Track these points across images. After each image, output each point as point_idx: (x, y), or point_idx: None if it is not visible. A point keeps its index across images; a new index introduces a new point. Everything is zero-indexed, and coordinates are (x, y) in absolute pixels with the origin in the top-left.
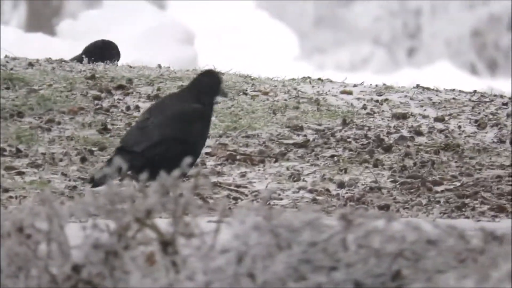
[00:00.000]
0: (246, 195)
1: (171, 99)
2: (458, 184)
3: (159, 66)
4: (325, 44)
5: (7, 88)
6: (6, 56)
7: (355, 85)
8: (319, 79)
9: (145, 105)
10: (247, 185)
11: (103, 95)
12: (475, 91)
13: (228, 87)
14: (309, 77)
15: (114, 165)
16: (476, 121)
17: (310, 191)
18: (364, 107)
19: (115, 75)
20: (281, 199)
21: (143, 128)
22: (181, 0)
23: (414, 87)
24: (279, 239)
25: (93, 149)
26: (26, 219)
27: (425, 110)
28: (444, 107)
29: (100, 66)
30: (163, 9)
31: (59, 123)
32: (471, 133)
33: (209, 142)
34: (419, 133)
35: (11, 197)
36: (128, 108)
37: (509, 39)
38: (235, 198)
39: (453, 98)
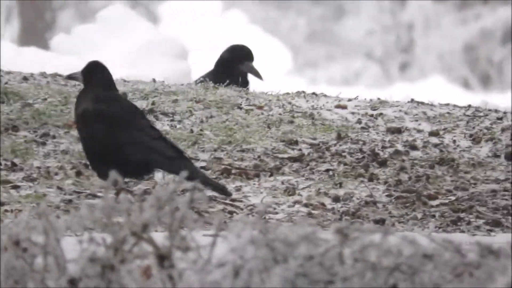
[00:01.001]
0: (242, 209)
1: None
2: (453, 198)
3: (154, 80)
4: (317, 59)
5: (2, 102)
6: (0, 70)
7: (349, 100)
8: (314, 93)
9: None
10: (242, 199)
11: None
12: (469, 106)
13: (223, 102)
14: (303, 92)
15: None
16: (471, 135)
17: (306, 205)
18: (359, 122)
19: None
20: (277, 213)
21: None
22: (174, 15)
23: (408, 102)
24: (275, 253)
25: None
26: (22, 233)
27: (419, 124)
28: (439, 121)
29: None
30: (157, 23)
31: (54, 137)
32: (466, 147)
33: (204, 156)
34: (414, 148)
35: (6, 210)
36: None
37: (501, 53)
38: (231, 212)
39: (448, 113)
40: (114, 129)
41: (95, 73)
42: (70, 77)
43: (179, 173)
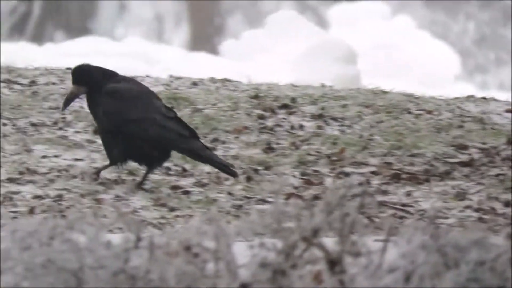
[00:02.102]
0: (412, 214)
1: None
2: None
3: (323, 85)
4: (487, 63)
5: (172, 108)
6: (170, 76)
7: None
8: (483, 97)
9: (309, 124)
10: (412, 204)
11: (267, 114)
12: None
13: (392, 106)
14: (472, 96)
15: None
16: None
17: (476, 210)
18: None
19: (279, 94)
20: (447, 218)
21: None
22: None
23: None
24: (446, 258)
25: (258, 168)
26: (193, 238)
27: None
28: None
29: (264, 86)
30: (325, 28)
31: (224, 142)
32: None
33: (373, 161)
34: None
35: (177, 216)
36: (292, 127)
37: None
38: (401, 217)
39: None
40: (128, 105)
41: (90, 74)
42: (67, 104)
43: (192, 152)
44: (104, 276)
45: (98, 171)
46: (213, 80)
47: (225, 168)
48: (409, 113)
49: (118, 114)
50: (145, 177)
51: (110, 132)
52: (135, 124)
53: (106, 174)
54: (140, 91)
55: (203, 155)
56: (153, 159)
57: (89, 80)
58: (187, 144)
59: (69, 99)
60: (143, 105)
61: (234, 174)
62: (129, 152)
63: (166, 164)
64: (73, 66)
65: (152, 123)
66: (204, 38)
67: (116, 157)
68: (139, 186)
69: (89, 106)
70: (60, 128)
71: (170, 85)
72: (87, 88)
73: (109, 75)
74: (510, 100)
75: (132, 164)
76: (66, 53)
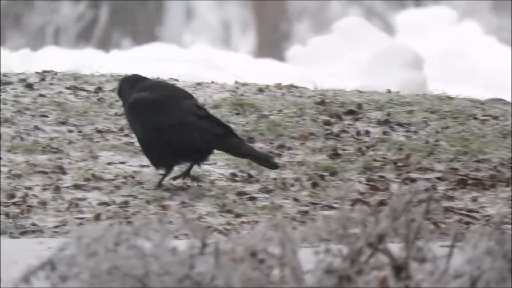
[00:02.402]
0: (478, 220)
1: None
2: None
3: (389, 91)
4: None
5: (238, 114)
6: (236, 82)
7: None
8: None
9: (375, 130)
10: (478, 209)
11: (333, 120)
12: None
13: (458, 112)
14: None
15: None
16: None
17: None
18: None
19: (344, 100)
20: None
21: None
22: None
23: None
24: None
25: (324, 174)
26: (259, 244)
27: None
28: None
29: (330, 92)
30: (392, 34)
31: (289, 148)
32: None
33: (439, 166)
34: None
35: (243, 222)
36: (358, 133)
37: None
38: (467, 223)
39: None
40: (158, 114)
41: (120, 86)
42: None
43: (230, 149)
44: (170, 282)
45: (159, 183)
46: (279, 86)
47: (266, 160)
48: (475, 118)
49: (151, 125)
50: (187, 172)
51: (144, 142)
52: (166, 131)
53: (171, 180)
54: (170, 95)
55: (242, 150)
56: (195, 158)
57: (120, 92)
58: (224, 142)
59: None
60: (174, 110)
61: (275, 166)
62: (169, 158)
63: (229, 170)
64: (139, 72)
65: (183, 127)
66: (271, 44)
67: (158, 164)
68: (183, 177)
69: (125, 117)
70: (126, 135)
71: (236, 91)
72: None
73: (135, 83)
74: None
75: (197, 171)
76: (132, 60)
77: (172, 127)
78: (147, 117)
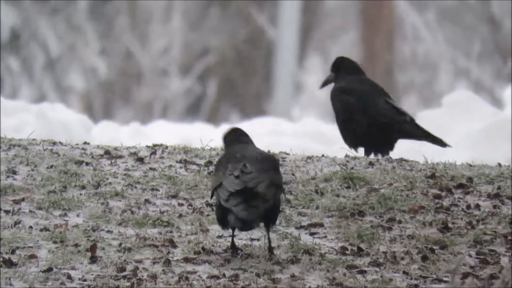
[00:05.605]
0: None
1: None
2: None
3: (499, 164)
4: None
5: (348, 187)
6: (346, 155)
7: None
8: None
9: (485, 204)
10: None
11: (443, 193)
12: None
13: None
14: None
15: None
16: None
17: None
18: None
19: (455, 174)
20: None
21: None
22: None
23: None
24: None
25: (434, 247)
26: None
27: None
28: None
29: (440, 165)
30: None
31: (399, 222)
32: None
33: None
34: None
35: None
36: (468, 206)
37: None
38: None
39: None
40: (361, 101)
41: (343, 65)
42: (324, 84)
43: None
44: None
45: (270, 251)
46: (389, 159)
47: (440, 141)
48: None
49: (353, 109)
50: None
51: (344, 121)
52: (368, 117)
53: (282, 253)
54: (371, 89)
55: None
56: (381, 146)
57: (337, 71)
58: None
59: (327, 81)
60: (375, 101)
61: (446, 145)
62: (361, 139)
63: (340, 243)
64: None
65: (385, 115)
66: None
67: (350, 143)
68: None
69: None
70: None
71: (346, 165)
72: (335, 78)
73: (351, 70)
74: None
75: (308, 243)
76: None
77: (373, 114)
78: (353, 103)
